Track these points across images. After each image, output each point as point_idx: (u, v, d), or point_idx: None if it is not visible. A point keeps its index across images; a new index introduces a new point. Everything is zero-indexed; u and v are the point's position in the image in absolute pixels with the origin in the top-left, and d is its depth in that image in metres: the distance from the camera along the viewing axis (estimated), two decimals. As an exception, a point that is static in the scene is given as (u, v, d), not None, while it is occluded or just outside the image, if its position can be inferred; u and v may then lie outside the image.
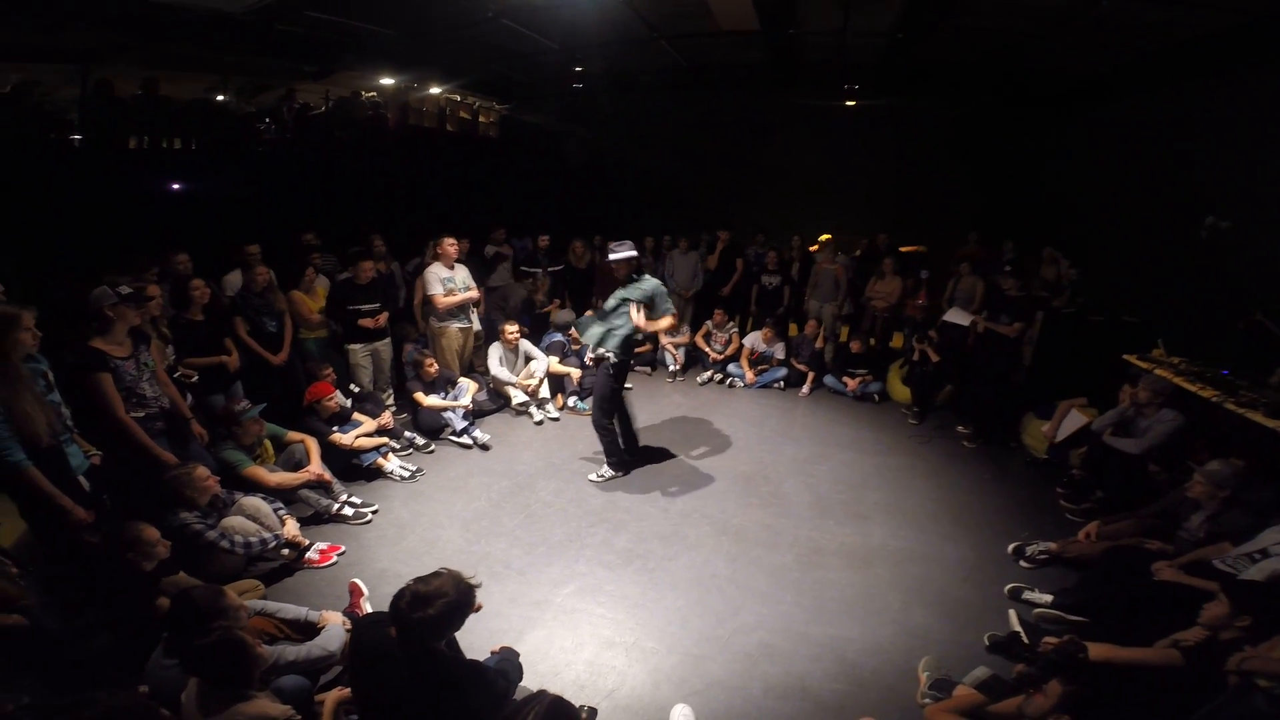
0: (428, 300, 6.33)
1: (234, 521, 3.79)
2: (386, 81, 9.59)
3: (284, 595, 3.74)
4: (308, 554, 4.10)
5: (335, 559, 4.17)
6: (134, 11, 5.24)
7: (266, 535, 3.83)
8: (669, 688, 3.25)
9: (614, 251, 5.16)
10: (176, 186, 7.38)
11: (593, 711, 2.97)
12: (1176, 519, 3.95)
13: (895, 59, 7.59)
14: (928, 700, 3.10)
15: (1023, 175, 9.65)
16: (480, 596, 3.68)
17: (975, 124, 9.84)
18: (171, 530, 3.47)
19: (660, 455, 5.78)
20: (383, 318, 5.93)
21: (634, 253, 5.18)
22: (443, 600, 2.18)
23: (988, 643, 3.51)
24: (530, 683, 3.08)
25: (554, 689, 3.16)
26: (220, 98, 8.41)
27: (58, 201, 5.81)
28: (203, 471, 3.71)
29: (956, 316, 6.34)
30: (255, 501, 4.02)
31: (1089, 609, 3.57)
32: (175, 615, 2.54)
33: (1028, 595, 3.88)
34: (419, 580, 2.23)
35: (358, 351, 5.89)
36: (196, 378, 4.64)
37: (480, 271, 7.32)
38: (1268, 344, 4.89)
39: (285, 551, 3.99)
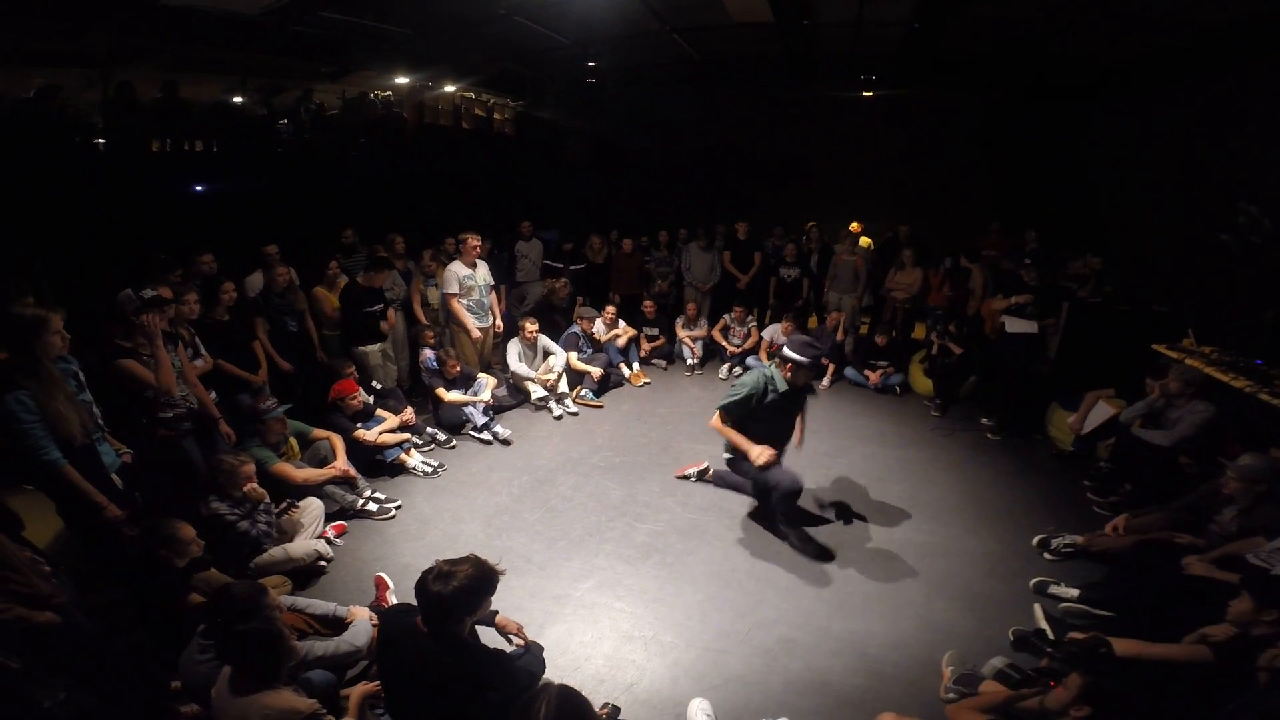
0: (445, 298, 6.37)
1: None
2: (402, 80, 9.63)
3: (311, 591, 3.83)
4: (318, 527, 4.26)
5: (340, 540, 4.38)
6: (150, 15, 5.30)
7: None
8: (688, 682, 3.25)
9: (789, 349, 4.22)
10: (199, 188, 7.48)
11: (616, 709, 2.98)
12: (1207, 512, 3.86)
13: (913, 49, 7.49)
14: (951, 696, 3.07)
15: (1046, 165, 9.49)
16: (501, 591, 3.72)
17: (996, 113, 9.68)
18: (205, 519, 3.65)
19: (680, 449, 5.77)
20: (391, 315, 5.95)
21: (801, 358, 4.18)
22: (465, 575, 2.25)
23: (1012, 637, 3.47)
24: (551, 676, 3.10)
25: (574, 683, 3.16)
26: (239, 99, 8.49)
27: (85, 204, 5.91)
28: (249, 469, 3.87)
29: (1018, 326, 6.14)
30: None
31: (1116, 604, 3.52)
32: (214, 609, 2.60)
33: (1053, 589, 3.82)
34: (446, 560, 2.32)
35: (373, 354, 5.90)
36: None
37: (499, 270, 7.35)
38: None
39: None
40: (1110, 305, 6.29)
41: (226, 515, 3.73)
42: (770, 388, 4.21)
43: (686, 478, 5.23)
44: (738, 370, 7.77)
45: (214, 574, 3.34)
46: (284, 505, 4.18)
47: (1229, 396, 4.53)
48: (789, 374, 4.19)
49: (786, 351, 4.18)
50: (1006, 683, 2.85)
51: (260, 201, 7.51)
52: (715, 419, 4.30)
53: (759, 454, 4.08)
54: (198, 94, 7.91)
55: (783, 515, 4.38)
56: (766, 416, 4.28)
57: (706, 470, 5.23)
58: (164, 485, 3.92)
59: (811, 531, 4.51)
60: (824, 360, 7.49)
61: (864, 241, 8.98)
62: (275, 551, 3.85)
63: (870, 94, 10.09)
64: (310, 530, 4.15)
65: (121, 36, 5.93)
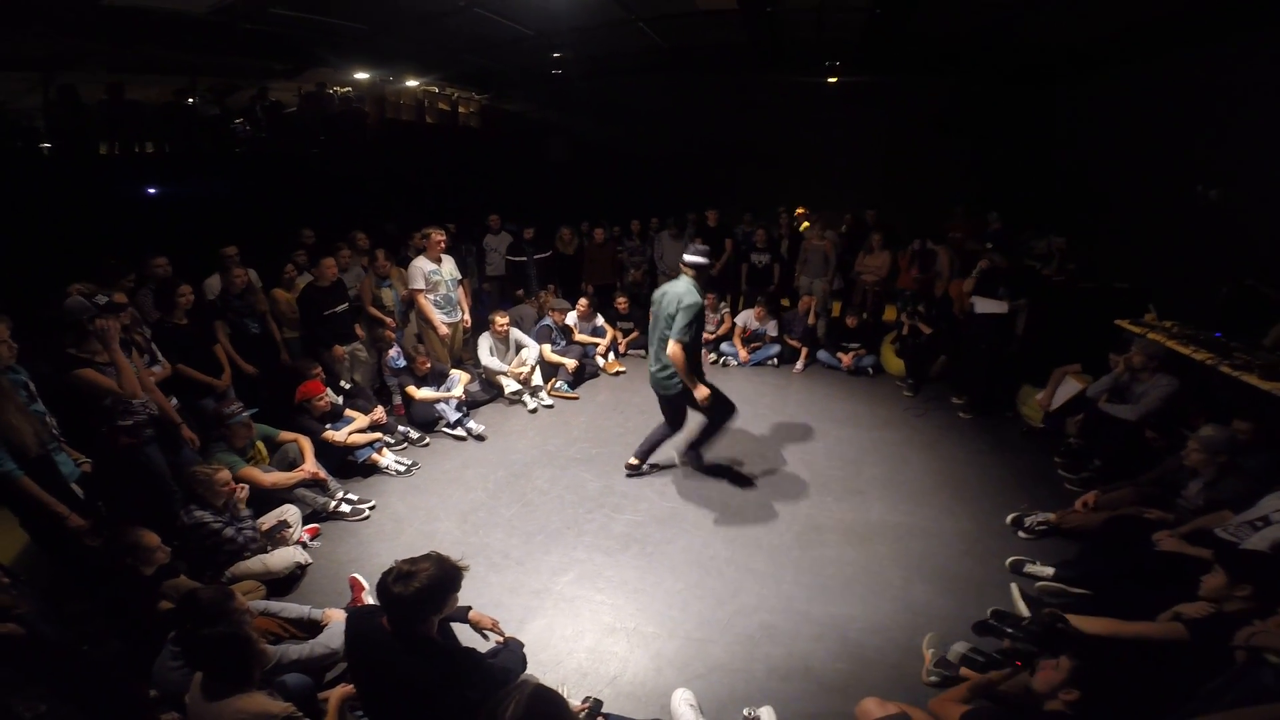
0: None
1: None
2: (362, 76, 9.44)
3: (287, 594, 3.77)
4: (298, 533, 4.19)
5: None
6: (92, 16, 5.11)
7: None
8: (671, 672, 3.24)
9: (691, 255, 4.52)
10: (152, 191, 7.27)
11: (598, 703, 2.96)
12: (1175, 487, 3.94)
13: (876, 35, 7.51)
14: (933, 679, 3.10)
15: (1009, 146, 9.63)
16: (480, 587, 3.73)
17: (961, 97, 9.78)
18: (189, 527, 3.59)
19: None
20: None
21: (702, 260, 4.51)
22: (425, 574, 2.19)
23: (990, 617, 3.51)
24: (533, 672, 3.07)
25: (556, 677, 3.18)
26: (191, 100, 8.27)
27: (31, 210, 5.72)
28: (224, 475, 3.77)
29: (988, 307, 6.19)
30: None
31: (1091, 581, 3.56)
32: (181, 615, 2.55)
33: (1029, 568, 3.87)
34: (406, 560, 2.26)
35: (339, 359, 5.80)
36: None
37: (466, 263, 7.25)
38: (1256, 307, 4.88)
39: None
40: (1074, 283, 6.39)
41: (211, 523, 3.66)
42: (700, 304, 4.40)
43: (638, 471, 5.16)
44: (712, 357, 7.77)
45: (184, 581, 3.28)
46: (276, 524, 4.08)
47: (1191, 370, 4.62)
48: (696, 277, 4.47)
49: (691, 258, 4.46)
50: (973, 667, 2.88)
51: (218, 203, 7.32)
52: (675, 349, 4.30)
53: (704, 393, 4.39)
54: (147, 95, 7.69)
55: (706, 440, 4.93)
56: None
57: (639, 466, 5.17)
58: (128, 493, 3.82)
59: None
60: (795, 341, 7.59)
61: (804, 226, 9.06)
62: (253, 562, 3.77)
63: (835, 80, 10.13)
64: (289, 539, 4.08)
65: (62, 38, 5.72)
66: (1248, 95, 5.65)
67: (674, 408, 4.79)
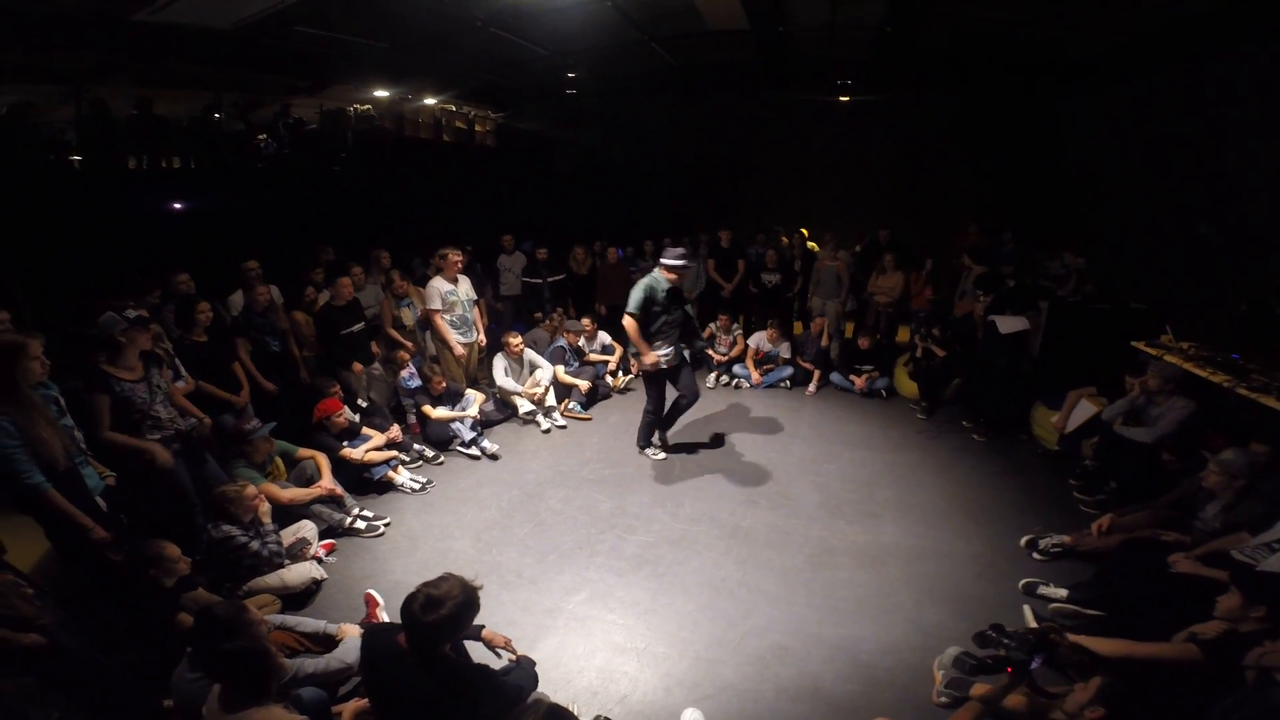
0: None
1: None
2: (381, 94, 9.62)
3: (303, 609, 3.80)
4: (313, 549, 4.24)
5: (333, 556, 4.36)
6: (122, 31, 5.25)
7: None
8: (681, 692, 3.24)
9: (668, 259, 5.23)
10: (177, 206, 7.40)
11: (606, 723, 2.98)
12: (1192, 509, 3.90)
13: (886, 52, 7.56)
14: (944, 700, 3.09)
15: (1022, 164, 9.62)
16: (493, 605, 3.76)
17: (972, 115, 9.80)
18: (216, 541, 3.67)
19: (668, 458, 5.79)
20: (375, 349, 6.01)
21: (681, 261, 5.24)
22: (453, 601, 2.22)
23: (989, 629, 3.47)
24: (544, 690, 3.09)
25: (567, 696, 3.19)
26: (216, 115, 8.45)
27: (61, 223, 5.84)
28: (251, 491, 3.84)
29: (1011, 325, 6.17)
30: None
31: (1105, 603, 3.54)
32: (198, 630, 2.59)
33: (1043, 590, 3.84)
34: (428, 584, 2.27)
35: (357, 376, 5.89)
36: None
37: (480, 282, 7.33)
38: (1274, 327, 4.85)
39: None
40: (1089, 304, 6.36)
41: (238, 536, 3.73)
42: (659, 289, 5.19)
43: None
44: (725, 379, 7.78)
45: (202, 594, 3.33)
46: (296, 541, 4.14)
47: (1209, 391, 4.59)
48: (673, 278, 5.22)
49: (668, 261, 5.18)
50: (962, 669, 2.86)
51: (241, 219, 7.44)
52: (627, 320, 5.19)
53: (652, 358, 5.25)
54: (174, 110, 7.86)
55: (672, 416, 5.80)
56: (661, 311, 5.24)
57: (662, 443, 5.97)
58: (151, 507, 3.88)
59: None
60: (808, 363, 7.59)
61: (811, 245, 9.11)
62: (271, 578, 3.82)
63: (847, 99, 10.19)
64: (307, 555, 4.14)
65: (93, 52, 5.88)
66: (1261, 108, 5.63)
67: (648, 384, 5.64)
